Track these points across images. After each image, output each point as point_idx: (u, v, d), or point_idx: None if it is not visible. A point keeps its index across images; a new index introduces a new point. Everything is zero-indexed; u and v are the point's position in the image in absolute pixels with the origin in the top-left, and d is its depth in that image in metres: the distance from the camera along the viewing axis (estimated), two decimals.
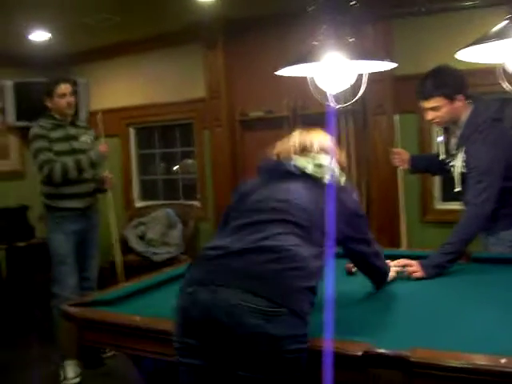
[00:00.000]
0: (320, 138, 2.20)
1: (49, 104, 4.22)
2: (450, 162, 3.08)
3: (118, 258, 4.52)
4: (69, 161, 4.10)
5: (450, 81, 2.90)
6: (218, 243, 1.95)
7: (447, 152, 3.13)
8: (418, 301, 2.36)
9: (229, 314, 1.73)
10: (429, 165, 3.49)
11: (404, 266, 2.68)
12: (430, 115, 2.96)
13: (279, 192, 2.03)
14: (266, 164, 2.20)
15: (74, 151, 4.20)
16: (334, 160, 2.14)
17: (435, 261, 2.68)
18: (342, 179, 2.13)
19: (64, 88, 4.21)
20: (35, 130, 4.18)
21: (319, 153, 2.14)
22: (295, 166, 2.08)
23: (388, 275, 2.48)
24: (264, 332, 1.70)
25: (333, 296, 1.91)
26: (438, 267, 2.67)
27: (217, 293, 1.77)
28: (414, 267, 2.65)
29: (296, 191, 2.03)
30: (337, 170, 2.13)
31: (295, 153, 2.14)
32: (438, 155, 3.26)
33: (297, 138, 2.19)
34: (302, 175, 2.07)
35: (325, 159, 2.10)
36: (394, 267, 2.63)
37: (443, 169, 3.17)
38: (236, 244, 1.88)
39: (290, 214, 1.94)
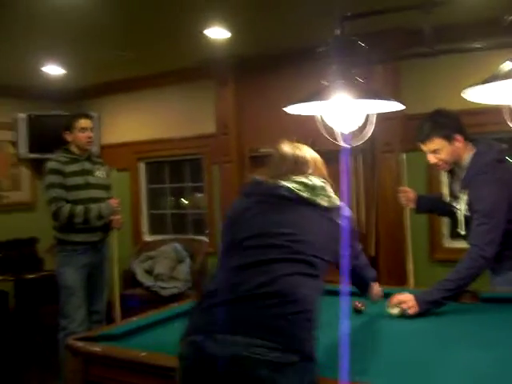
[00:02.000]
0: (313, 155, 2.15)
1: (68, 138, 4.28)
2: (455, 204, 3.09)
3: (117, 295, 4.51)
4: (78, 207, 4.12)
5: (447, 122, 2.94)
6: (221, 286, 1.86)
7: (452, 194, 3.14)
8: (421, 341, 2.34)
9: (237, 365, 1.66)
10: (434, 206, 3.50)
11: (399, 304, 2.66)
12: (432, 159, 2.98)
13: (280, 223, 1.92)
14: (258, 187, 2.07)
15: (88, 185, 4.25)
16: (326, 179, 2.09)
17: (431, 297, 2.67)
18: (336, 198, 2.04)
19: (85, 122, 4.30)
20: (51, 163, 4.22)
21: (314, 172, 2.08)
22: (290, 190, 1.97)
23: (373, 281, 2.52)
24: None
25: (347, 339, 1.89)
26: (432, 303, 2.66)
27: (223, 343, 1.69)
28: (409, 303, 2.63)
29: (297, 221, 1.93)
30: (330, 189, 2.04)
31: (288, 173, 2.04)
32: (441, 197, 3.28)
33: (289, 156, 2.11)
34: (299, 199, 1.96)
35: (319, 179, 2.03)
36: (392, 306, 2.64)
37: (449, 211, 3.17)
38: (240, 288, 1.79)
39: (294, 252, 1.85)
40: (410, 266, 3.92)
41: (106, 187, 4.45)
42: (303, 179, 2.00)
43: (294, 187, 1.97)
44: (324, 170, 2.15)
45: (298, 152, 2.13)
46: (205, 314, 1.83)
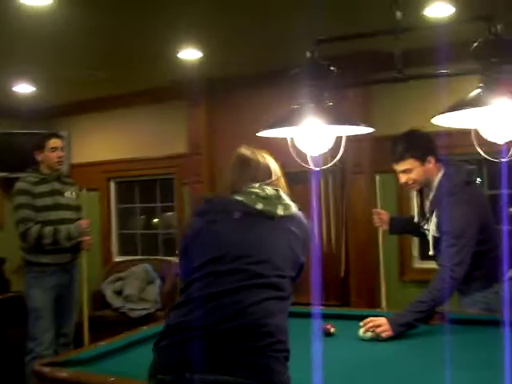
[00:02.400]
0: (274, 163, 2.07)
1: (38, 157, 4.25)
2: (424, 225, 3.11)
3: (86, 317, 4.46)
4: (46, 228, 4.07)
5: (420, 143, 2.97)
6: (187, 318, 1.75)
7: (422, 215, 3.16)
8: (397, 364, 2.35)
9: None
10: (406, 227, 3.51)
11: (372, 329, 2.66)
12: (402, 178, 3.01)
13: (237, 244, 1.83)
14: (209, 204, 1.98)
15: (58, 206, 4.20)
16: (285, 189, 2.01)
17: (404, 319, 2.68)
18: (293, 205, 1.96)
19: (55, 142, 4.27)
20: (20, 184, 4.19)
21: (276, 181, 2.01)
22: (244, 204, 1.88)
23: None
24: None
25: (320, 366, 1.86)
26: (405, 325, 2.67)
27: (196, 382, 1.64)
28: (383, 327, 2.63)
29: (255, 239, 1.84)
30: (285, 196, 1.96)
31: (248, 180, 1.95)
32: (412, 218, 3.31)
33: (252, 162, 2.01)
34: (253, 213, 1.87)
35: (272, 188, 1.94)
36: (365, 331, 2.64)
37: (420, 231, 3.20)
38: (209, 321, 1.71)
39: (258, 276, 1.78)
40: (383, 289, 3.93)
41: (76, 208, 4.40)
42: (256, 190, 1.91)
43: (248, 200, 1.89)
44: (283, 180, 2.06)
45: (260, 158, 2.04)
46: (174, 351, 1.74)
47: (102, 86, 5.81)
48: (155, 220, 6.82)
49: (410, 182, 3.00)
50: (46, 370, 2.28)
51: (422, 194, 3.15)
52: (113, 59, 4.90)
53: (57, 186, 4.28)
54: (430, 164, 2.95)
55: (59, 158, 4.27)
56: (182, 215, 6.18)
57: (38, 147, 4.26)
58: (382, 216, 3.53)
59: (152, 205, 6.72)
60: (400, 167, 2.98)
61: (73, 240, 4.21)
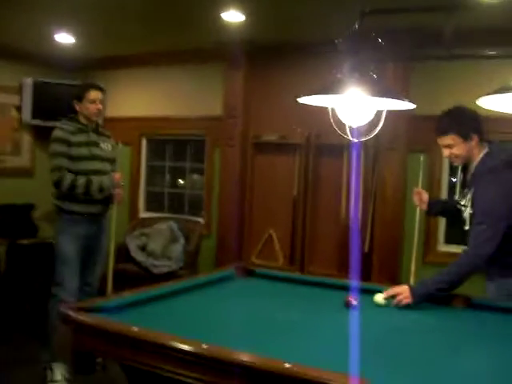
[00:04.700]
0: None
1: (77, 107, 4.23)
2: (461, 201, 3.12)
3: (110, 269, 4.52)
4: (80, 178, 4.08)
5: (466, 121, 2.96)
6: None
7: (461, 191, 3.17)
8: (418, 340, 2.35)
9: None
10: (445, 209, 3.52)
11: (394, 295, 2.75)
12: (445, 152, 3.02)
13: None
14: None
15: (93, 157, 4.20)
16: None
17: (426, 289, 2.76)
18: None
19: (96, 94, 4.23)
20: (57, 132, 4.17)
21: None
22: None
23: None
24: None
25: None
26: (426, 295, 2.75)
27: None
28: (404, 294, 2.72)
29: None
30: None
31: None
32: (450, 200, 3.30)
33: None
34: None
35: None
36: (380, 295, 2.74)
37: (456, 214, 3.19)
38: None
39: None
40: (413, 267, 3.90)
41: (111, 160, 4.39)
42: None
43: None
44: None
45: None
46: None
47: (143, 41, 5.81)
48: (181, 181, 6.85)
49: (453, 157, 3.02)
50: (73, 313, 2.33)
51: (466, 170, 3.15)
52: (155, 15, 4.87)
53: (93, 137, 4.26)
54: (473, 142, 2.94)
55: (98, 110, 4.25)
56: (210, 178, 6.21)
57: (77, 97, 4.23)
58: (422, 195, 3.52)
59: (181, 164, 6.76)
60: (443, 141, 2.99)
61: (105, 191, 4.21)
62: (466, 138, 2.93)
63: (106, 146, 4.37)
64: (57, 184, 4.11)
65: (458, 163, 3.11)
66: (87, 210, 4.20)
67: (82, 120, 4.24)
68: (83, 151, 4.16)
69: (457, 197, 3.26)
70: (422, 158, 4.00)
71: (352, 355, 1.94)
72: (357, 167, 5.18)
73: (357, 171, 5.18)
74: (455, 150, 2.96)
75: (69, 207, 4.17)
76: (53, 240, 4.33)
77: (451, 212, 3.33)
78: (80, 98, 4.22)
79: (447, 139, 2.96)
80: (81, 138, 4.19)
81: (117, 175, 4.29)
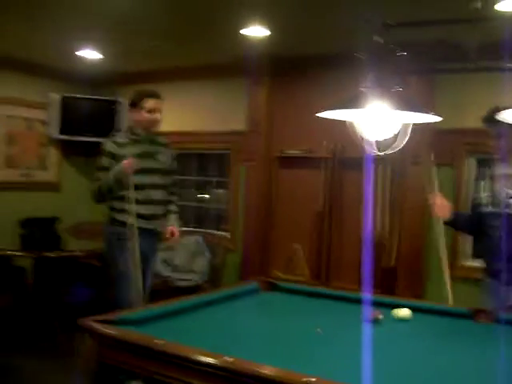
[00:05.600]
0: None
1: (132, 116, 4.00)
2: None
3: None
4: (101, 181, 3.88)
5: None
6: None
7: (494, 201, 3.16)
8: (430, 364, 2.30)
9: None
10: (468, 222, 3.48)
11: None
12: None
13: None
14: None
15: (146, 170, 3.94)
16: None
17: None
18: None
19: (153, 103, 3.98)
20: (107, 145, 3.95)
21: None
22: None
23: None
24: None
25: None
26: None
27: None
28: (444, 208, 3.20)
29: None
30: None
31: None
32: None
33: None
34: None
35: None
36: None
37: (483, 229, 3.16)
38: None
39: None
40: (448, 284, 3.73)
41: (168, 172, 4.15)
42: None
43: None
44: None
45: None
46: None
47: (167, 57, 5.89)
48: (205, 196, 6.86)
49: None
50: (96, 325, 2.34)
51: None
52: (178, 31, 4.92)
53: (149, 148, 4.01)
54: None
55: (156, 121, 3.97)
56: (235, 192, 6.22)
57: (133, 104, 3.98)
58: (441, 201, 3.47)
59: (206, 179, 6.77)
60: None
61: (121, 181, 3.79)
62: None
63: (164, 158, 4.12)
64: (91, 195, 3.95)
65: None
66: (141, 224, 3.88)
67: (136, 130, 4.02)
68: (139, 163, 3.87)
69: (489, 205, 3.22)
70: (451, 172, 3.95)
71: (375, 373, 1.92)
72: (380, 181, 5.15)
73: (379, 185, 5.15)
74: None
75: (122, 219, 3.90)
76: (79, 254, 4.20)
77: (475, 227, 3.29)
78: (135, 104, 3.98)
79: None
80: (132, 149, 3.92)
81: (126, 162, 3.80)
